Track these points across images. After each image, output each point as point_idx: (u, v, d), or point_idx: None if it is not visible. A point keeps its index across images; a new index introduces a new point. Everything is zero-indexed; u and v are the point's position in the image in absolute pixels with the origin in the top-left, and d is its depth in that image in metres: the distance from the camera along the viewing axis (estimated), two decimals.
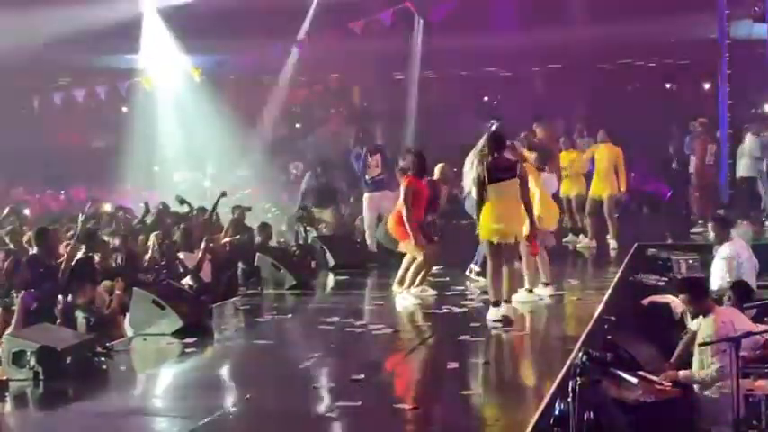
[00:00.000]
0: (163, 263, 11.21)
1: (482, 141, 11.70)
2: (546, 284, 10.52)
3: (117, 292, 9.56)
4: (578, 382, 6.48)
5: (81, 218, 10.91)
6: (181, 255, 11.39)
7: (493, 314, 9.37)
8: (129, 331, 9.29)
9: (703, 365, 8.01)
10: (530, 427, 6.27)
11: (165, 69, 20.42)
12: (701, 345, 7.77)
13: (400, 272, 10.87)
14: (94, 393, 7.62)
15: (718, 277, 10.46)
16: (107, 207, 15.13)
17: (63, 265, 9.36)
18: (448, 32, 19.38)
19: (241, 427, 6.87)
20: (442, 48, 20.47)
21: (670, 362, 8.75)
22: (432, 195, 11.00)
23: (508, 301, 9.52)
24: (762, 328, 8.45)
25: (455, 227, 14.57)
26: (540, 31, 19.70)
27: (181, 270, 11.01)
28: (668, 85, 22.34)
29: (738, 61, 17.07)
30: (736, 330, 7.80)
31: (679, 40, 20.00)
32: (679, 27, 19.17)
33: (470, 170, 10.40)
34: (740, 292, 8.90)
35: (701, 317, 8.32)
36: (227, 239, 12.72)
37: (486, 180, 9.39)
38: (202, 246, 11.27)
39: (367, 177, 13.62)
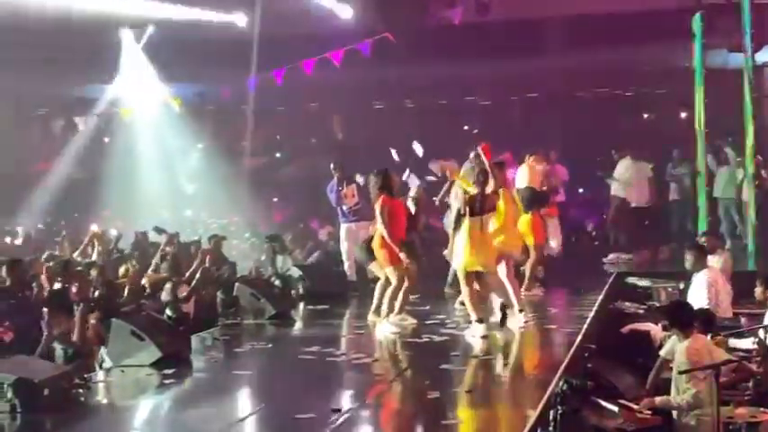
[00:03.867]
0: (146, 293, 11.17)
1: (467, 167, 11.98)
2: (520, 311, 10.55)
3: (92, 322, 9.49)
4: (559, 412, 6.49)
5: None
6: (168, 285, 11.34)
7: (476, 330, 9.77)
8: (107, 362, 9.21)
9: (679, 391, 8.04)
10: None
11: (144, 99, 20.38)
12: (680, 372, 7.79)
13: (375, 301, 10.91)
14: (73, 426, 7.53)
15: (696, 304, 10.49)
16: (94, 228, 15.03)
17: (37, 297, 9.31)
18: (427, 61, 19.47)
19: None
20: (420, 76, 20.56)
21: (647, 389, 8.80)
22: (409, 214, 11.10)
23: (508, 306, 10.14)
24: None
25: (434, 254, 14.56)
26: (517, 60, 19.85)
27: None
28: (645, 115, 22.46)
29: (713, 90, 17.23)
30: (712, 357, 7.86)
31: (655, 68, 20.17)
32: (654, 56, 19.32)
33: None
34: (703, 320, 8.95)
35: (672, 342, 8.39)
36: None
37: (468, 213, 9.83)
38: (197, 277, 11.27)
39: (344, 208, 13.62)
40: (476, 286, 10.10)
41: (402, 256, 10.45)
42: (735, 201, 16.74)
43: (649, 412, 8.11)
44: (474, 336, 9.83)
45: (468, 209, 9.90)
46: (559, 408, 6.52)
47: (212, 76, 19.50)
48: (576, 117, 21.45)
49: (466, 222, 9.93)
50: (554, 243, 13.95)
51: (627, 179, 17.00)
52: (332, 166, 13.98)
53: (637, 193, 16.98)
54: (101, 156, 21.83)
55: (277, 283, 12.87)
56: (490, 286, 10.31)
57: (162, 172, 20.89)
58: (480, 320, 9.89)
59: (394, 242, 10.42)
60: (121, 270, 12.47)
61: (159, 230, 14.72)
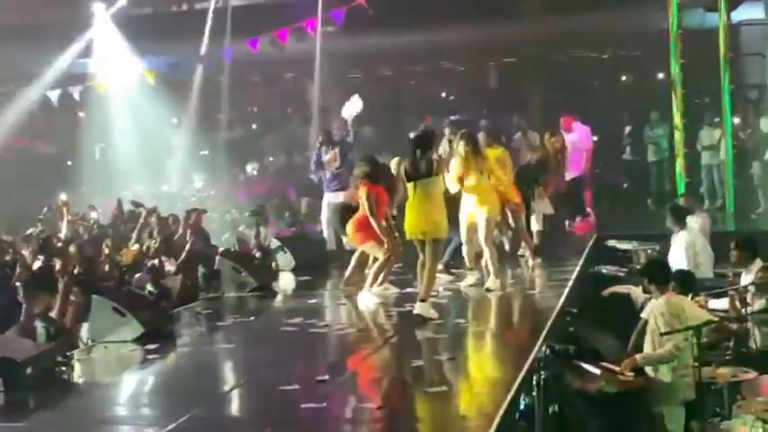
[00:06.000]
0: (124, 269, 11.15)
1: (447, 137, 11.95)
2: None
3: (73, 299, 9.44)
4: (542, 376, 6.52)
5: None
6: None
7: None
8: (89, 339, 9.19)
9: (655, 347, 8.10)
10: (496, 423, 6.26)
11: (119, 73, 20.20)
12: (662, 334, 7.83)
13: (349, 271, 10.97)
14: (57, 404, 7.51)
15: (676, 265, 10.55)
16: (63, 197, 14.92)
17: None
18: (404, 28, 19.40)
19: None
20: (396, 44, 20.47)
21: (628, 351, 8.86)
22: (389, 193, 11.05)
23: (423, 300, 9.50)
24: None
25: None
26: (492, 25, 19.78)
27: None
28: (623, 77, 22.46)
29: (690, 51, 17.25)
30: (688, 314, 7.92)
31: (631, 31, 20.15)
32: (631, 18, 19.29)
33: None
34: (681, 281, 9.00)
35: (651, 304, 8.45)
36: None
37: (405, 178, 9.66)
38: (187, 247, 11.26)
39: (327, 174, 13.53)
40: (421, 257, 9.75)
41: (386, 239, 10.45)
42: (716, 162, 16.81)
43: (631, 374, 8.15)
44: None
45: (405, 176, 9.74)
46: (542, 372, 6.54)
47: (186, 47, 19.38)
48: (553, 81, 21.43)
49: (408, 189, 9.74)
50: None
51: None
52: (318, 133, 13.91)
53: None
54: (75, 130, 21.66)
55: (258, 255, 12.84)
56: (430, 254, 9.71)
57: (138, 146, 20.73)
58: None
59: (377, 225, 10.42)
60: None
61: (137, 204, 14.65)
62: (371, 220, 10.42)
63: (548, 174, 13.24)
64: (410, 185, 9.69)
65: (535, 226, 12.86)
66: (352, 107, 13.77)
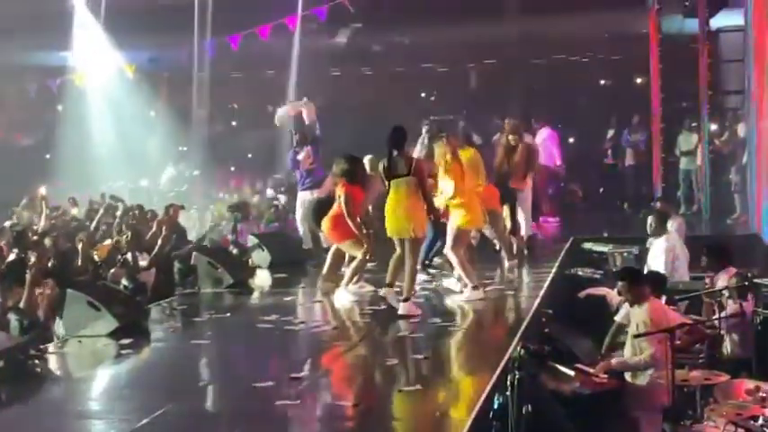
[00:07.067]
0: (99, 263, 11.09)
1: (424, 136, 11.93)
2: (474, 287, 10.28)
3: (48, 292, 9.40)
4: (517, 376, 6.53)
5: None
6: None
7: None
8: (62, 333, 9.13)
9: (636, 352, 8.13)
10: (469, 422, 6.28)
11: (98, 66, 20.11)
12: (635, 336, 7.88)
13: (326, 268, 11.00)
14: (29, 396, 7.48)
15: (656, 269, 10.60)
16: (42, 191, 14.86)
17: None
18: (384, 29, 19.43)
19: (180, 428, 6.73)
20: (378, 44, 20.51)
21: (602, 354, 8.91)
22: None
23: (390, 285, 9.78)
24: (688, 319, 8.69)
25: None
26: (473, 26, 19.83)
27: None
28: (602, 81, 22.56)
29: (669, 56, 17.36)
30: (669, 320, 7.96)
31: (611, 35, 20.27)
32: (611, 23, 19.40)
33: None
34: (655, 283, 9.06)
35: (627, 307, 8.50)
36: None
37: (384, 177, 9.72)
38: (159, 242, 11.21)
39: (303, 171, 13.50)
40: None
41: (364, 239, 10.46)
42: (694, 167, 16.92)
43: (605, 376, 8.20)
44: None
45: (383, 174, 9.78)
46: (517, 372, 6.55)
47: (166, 41, 19.30)
48: (532, 83, 21.51)
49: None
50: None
51: None
52: (292, 131, 13.84)
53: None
54: (54, 123, 21.55)
55: (235, 251, 12.81)
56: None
57: (116, 141, 20.65)
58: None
59: (354, 226, 10.43)
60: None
61: (116, 199, 14.60)
62: (349, 220, 10.42)
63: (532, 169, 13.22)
64: (388, 184, 9.72)
65: (523, 230, 12.89)
66: (279, 116, 13.80)
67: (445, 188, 10.23)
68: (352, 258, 10.74)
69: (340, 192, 10.54)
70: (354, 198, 10.51)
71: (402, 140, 9.82)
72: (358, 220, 10.52)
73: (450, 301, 10.27)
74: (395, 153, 9.66)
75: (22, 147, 23.35)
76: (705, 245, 10.15)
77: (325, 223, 10.80)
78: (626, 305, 8.71)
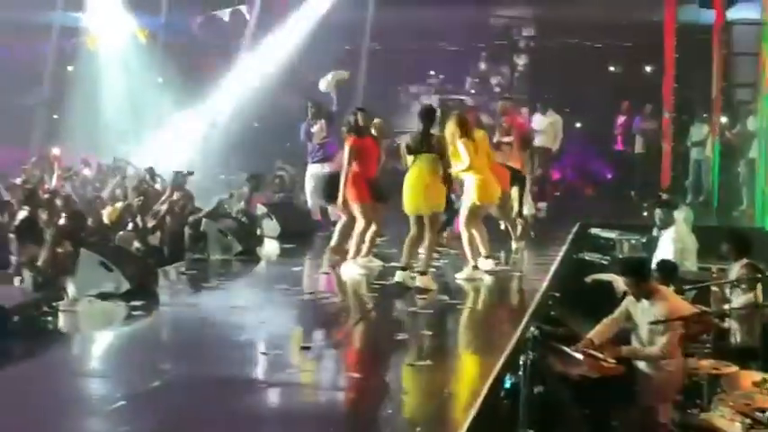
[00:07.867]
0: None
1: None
2: (487, 257, 10.49)
3: (61, 250, 9.43)
4: (530, 357, 6.55)
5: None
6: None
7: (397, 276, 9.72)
8: (74, 292, 9.17)
9: (645, 343, 8.10)
10: (480, 399, 6.31)
11: (111, 29, 20.03)
12: (652, 323, 7.84)
13: (334, 239, 11.01)
14: (40, 353, 7.51)
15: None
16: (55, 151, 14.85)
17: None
18: (398, 5, 19.36)
19: (186, 393, 6.70)
20: (391, 20, 20.43)
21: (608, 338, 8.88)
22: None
23: (424, 273, 9.70)
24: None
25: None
26: (486, 7, 19.79)
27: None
28: (611, 68, 22.48)
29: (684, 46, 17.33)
30: (682, 312, 7.95)
31: (624, 22, 20.18)
32: (624, 9, 19.33)
33: None
34: (666, 272, 9.04)
35: (627, 304, 8.34)
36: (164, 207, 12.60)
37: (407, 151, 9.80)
38: (164, 207, 11.22)
39: (316, 144, 13.46)
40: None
41: (366, 194, 10.47)
42: (704, 157, 16.93)
43: (614, 361, 8.19)
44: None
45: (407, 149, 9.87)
46: (530, 353, 6.57)
47: (182, 9, 19.22)
48: (544, 66, 21.46)
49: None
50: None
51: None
52: (308, 104, 13.80)
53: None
54: (64, 84, 21.46)
55: (244, 220, 12.82)
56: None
57: (126, 105, 20.58)
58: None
59: (362, 180, 10.44)
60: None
61: (126, 164, 14.60)
62: (352, 169, 10.44)
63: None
64: (411, 159, 9.78)
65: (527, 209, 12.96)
66: (327, 81, 13.71)
67: (456, 164, 10.25)
68: (360, 232, 10.71)
69: (348, 145, 10.56)
70: (363, 150, 10.56)
71: (434, 119, 9.92)
72: (356, 168, 10.49)
73: (461, 280, 10.29)
74: (424, 129, 9.77)
75: (29, 106, 23.25)
76: (728, 232, 10.11)
77: (341, 180, 10.68)
78: (625, 303, 8.51)
